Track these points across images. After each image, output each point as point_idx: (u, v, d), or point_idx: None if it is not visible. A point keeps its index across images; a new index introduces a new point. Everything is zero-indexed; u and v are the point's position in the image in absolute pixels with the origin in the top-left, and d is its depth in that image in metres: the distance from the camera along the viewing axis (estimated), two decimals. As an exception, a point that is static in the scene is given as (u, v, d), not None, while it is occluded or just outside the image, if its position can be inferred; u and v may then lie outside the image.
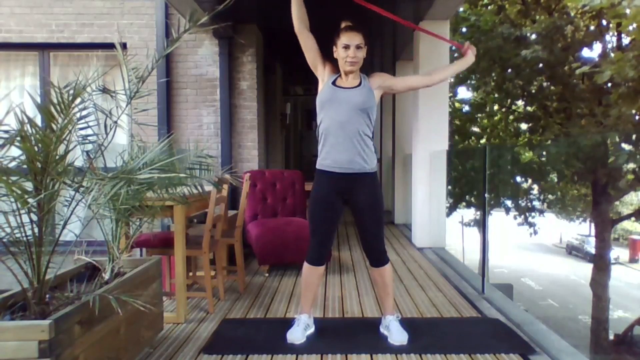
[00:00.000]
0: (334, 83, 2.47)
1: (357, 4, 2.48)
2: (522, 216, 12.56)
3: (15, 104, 1.73)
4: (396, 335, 2.52)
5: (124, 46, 5.03)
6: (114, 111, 2.03)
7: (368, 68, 8.75)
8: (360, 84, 2.48)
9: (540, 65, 9.93)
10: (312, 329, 2.65)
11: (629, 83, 8.05)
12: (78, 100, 1.81)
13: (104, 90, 2.01)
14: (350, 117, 2.40)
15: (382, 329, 2.64)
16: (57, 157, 1.73)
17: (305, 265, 2.60)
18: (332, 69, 2.53)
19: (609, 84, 9.16)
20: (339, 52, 2.43)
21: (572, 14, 10.02)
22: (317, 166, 2.55)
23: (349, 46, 2.39)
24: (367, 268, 4.08)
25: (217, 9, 2.15)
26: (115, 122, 2.01)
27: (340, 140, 2.41)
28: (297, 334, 2.54)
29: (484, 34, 10.29)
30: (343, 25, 2.46)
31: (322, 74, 2.52)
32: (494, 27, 10.34)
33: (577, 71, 8.10)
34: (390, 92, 2.67)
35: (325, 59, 2.53)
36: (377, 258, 2.59)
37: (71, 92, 1.78)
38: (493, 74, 11.32)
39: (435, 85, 2.65)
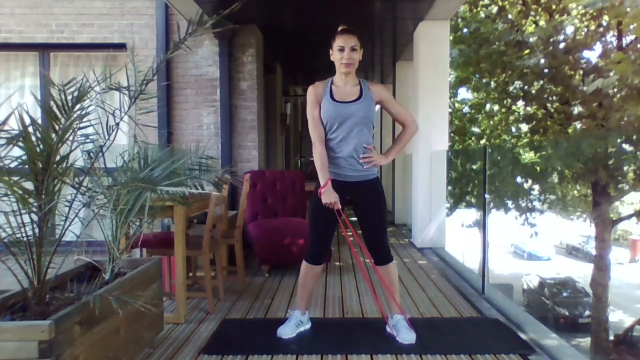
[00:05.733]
0: (332, 97, 2.49)
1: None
2: (523, 216, 12.54)
3: (16, 104, 1.73)
4: (404, 334, 2.53)
5: (123, 46, 5.03)
6: (116, 112, 2.03)
7: (368, 68, 8.76)
8: (361, 94, 2.50)
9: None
10: (306, 326, 2.69)
11: (632, 86, 8.04)
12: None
13: (116, 89, 2.02)
14: (355, 130, 2.47)
15: (388, 329, 2.64)
16: (59, 157, 1.73)
17: (304, 263, 2.65)
18: (319, 87, 2.53)
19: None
20: (334, 55, 2.49)
21: (573, 14, 10.01)
22: None
23: (344, 48, 2.44)
24: (369, 268, 4.08)
25: (221, 13, 2.13)
26: (117, 123, 2.01)
27: (345, 153, 2.48)
28: (287, 329, 2.59)
29: (485, 41, 10.31)
30: (339, 28, 2.50)
31: (320, 99, 2.52)
32: (494, 31, 10.33)
33: (587, 82, 8.09)
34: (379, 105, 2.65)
35: (317, 103, 2.52)
36: (382, 256, 2.62)
37: (75, 93, 1.78)
38: (495, 78, 11.34)
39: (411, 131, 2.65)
